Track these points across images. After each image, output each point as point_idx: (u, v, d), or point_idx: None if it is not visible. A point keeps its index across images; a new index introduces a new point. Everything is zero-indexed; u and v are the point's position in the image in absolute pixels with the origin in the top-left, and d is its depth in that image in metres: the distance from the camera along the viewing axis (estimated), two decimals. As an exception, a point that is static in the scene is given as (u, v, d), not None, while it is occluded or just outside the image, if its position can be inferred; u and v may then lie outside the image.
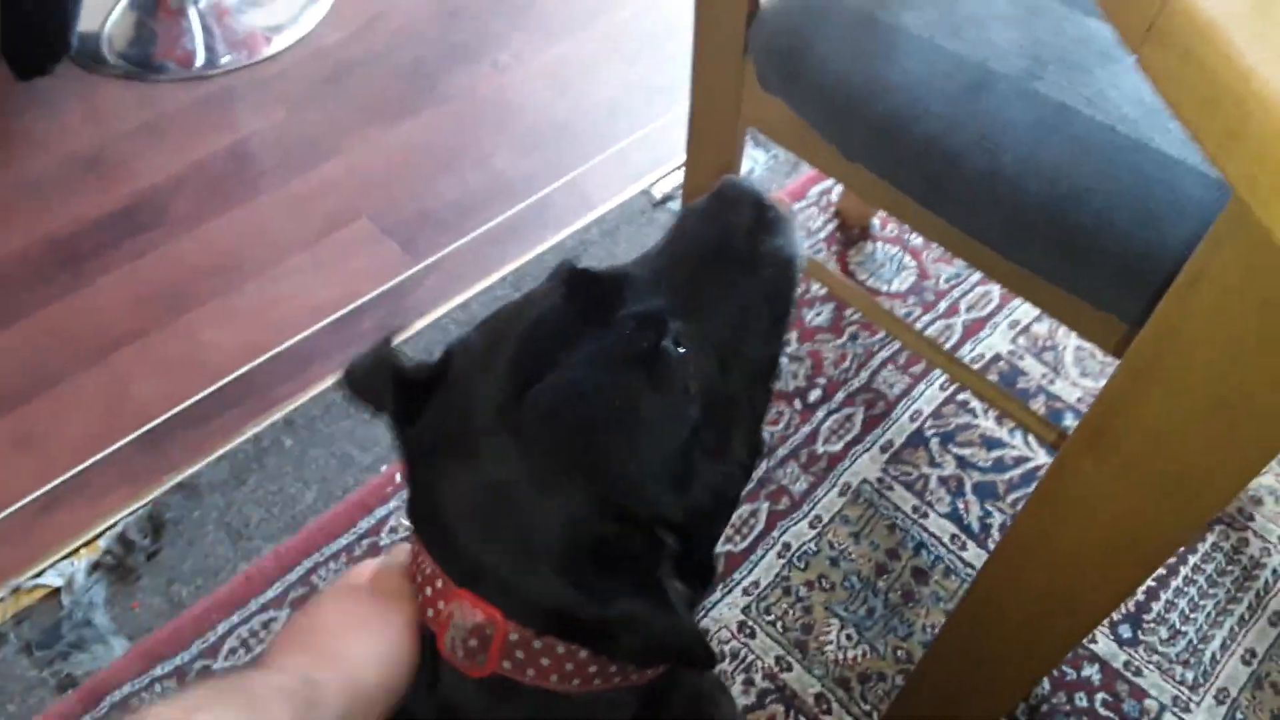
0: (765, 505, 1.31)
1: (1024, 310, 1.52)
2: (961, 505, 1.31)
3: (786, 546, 1.27)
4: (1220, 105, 0.42)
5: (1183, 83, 0.44)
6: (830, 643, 1.20)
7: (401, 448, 0.64)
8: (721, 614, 1.21)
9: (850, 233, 1.61)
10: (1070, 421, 1.39)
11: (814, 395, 1.42)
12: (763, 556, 1.26)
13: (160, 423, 1.37)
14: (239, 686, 0.52)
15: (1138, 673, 1.19)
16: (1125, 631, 1.22)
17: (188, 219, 1.63)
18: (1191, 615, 1.24)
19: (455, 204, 1.67)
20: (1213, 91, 0.42)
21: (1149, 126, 0.83)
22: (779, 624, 1.21)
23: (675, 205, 1.64)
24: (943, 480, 1.34)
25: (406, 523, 0.67)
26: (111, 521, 1.26)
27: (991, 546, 1.28)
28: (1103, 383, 0.72)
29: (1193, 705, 1.17)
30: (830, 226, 1.62)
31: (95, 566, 1.23)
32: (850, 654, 1.19)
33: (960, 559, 1.27)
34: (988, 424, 1.40)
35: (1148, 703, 1.17)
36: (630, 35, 1.98)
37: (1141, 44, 0.45)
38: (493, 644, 0.57)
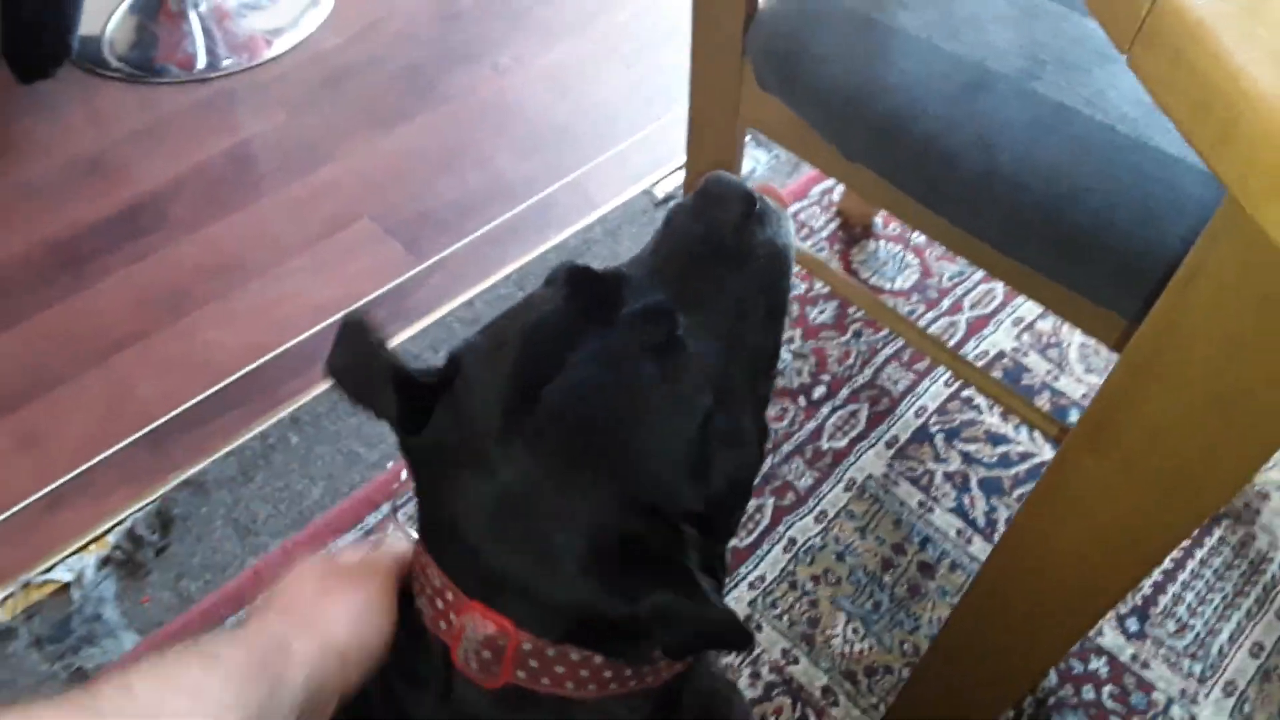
0: (771, 500, 1.31)
1: (1028, 307, 1.52)
2: (967, 500, 1.31)
3: (792, 541, 1.27)
4: (1211, 106, 0.42)
5: (1173, 84, 0.44)
6: (836, 636, 1.20)
7: (407, 456, 0.64)
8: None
9: (853, 231, 1.61)
10: (1075, 417, 1.39)
11: (819, 392, 1.42)
12: (769, 551, 1.27)
13: (163, 423, 1.38)
14: (209, 644, 0.52)
15: (1145, 666, 1.19)
16: (1132, 625, 1.22)
17: (189, 221, 1.63)
18: (1199, 609, 1.24)
19: (456, 205, 1.67)
20: (1203, 93, 0.42)
21: (1148, 126, 0.83)
22: (785, 618, 1.21)
23: (677, 204, 1.64)
24: (948, 476, 1.34)
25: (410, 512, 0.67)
26: (120, 518, 1.27)
27: (997, 541, 1.28)
28: (1106, 379, 0.72)
29: (1200, 698, 1.17)
30: (833, 225, 1.62)
31: (105, 562, 1.24)
32: (857, 647, 1.20)
33: (966, 554, 1.27)
34: (992, 420, 1.40)
35: (1155, 695, 1.17)
36: (629, 37, 1.98)
37: (1131, 45, 0.45)
38: (505, 654, 0.57)
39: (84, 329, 1.48)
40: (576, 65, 1.93)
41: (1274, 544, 1.29)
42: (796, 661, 1.18)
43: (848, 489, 1.32)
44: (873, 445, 1.37)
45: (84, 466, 1.33)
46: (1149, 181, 0.80)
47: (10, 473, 1.32)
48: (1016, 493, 1.32)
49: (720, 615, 0.55)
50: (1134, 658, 1.20)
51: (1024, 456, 1.36)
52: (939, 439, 1.37)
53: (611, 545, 0.56)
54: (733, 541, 1.26)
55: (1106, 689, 1.18)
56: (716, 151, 1.18)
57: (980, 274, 1.56)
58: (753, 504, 1.30)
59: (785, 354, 1.45)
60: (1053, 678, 1.18)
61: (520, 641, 0.57)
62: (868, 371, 1.44)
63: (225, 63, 1.88)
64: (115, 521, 1.27)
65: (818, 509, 1.30)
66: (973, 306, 1.52)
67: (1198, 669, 1.19)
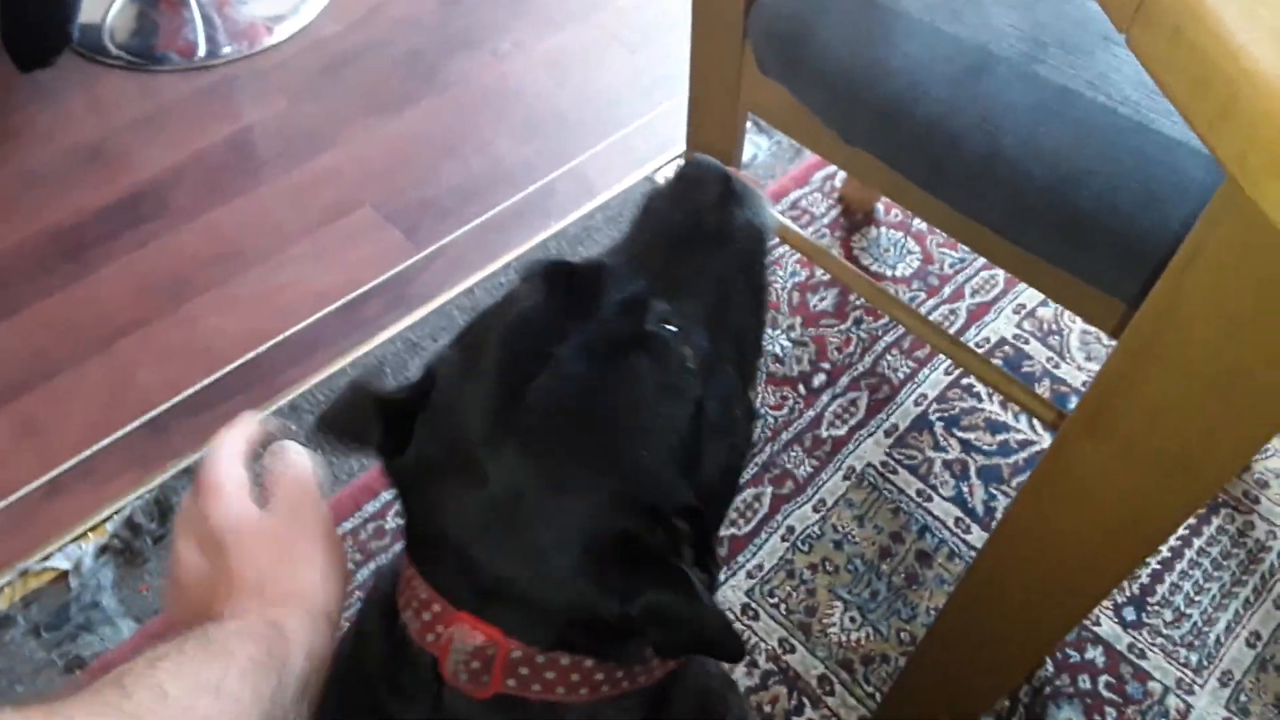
0: (769, 489, 1.31)
1: (1029, 295, 1.52)
2: (966, 489, 1.31)
3: (790, 530, 1.28)
4: (1210, 85, 0.41)
5: (1172, 63, 0.43)
6: (834, 625, 1.20)
7: (391, 478, 0.62)
8: (725, 597, 1.22)
9: (854, 218, 1.61)
10: (1075, 405, 1.39)
11: (818, 380, 1.42)
12: (767, 540, 1.27)
13: (164, 410, 1.38)
14: (198, 636, 0.52)
15: (1141, 655, 1.19)
16: (1129, 614, 1.22)
17: (189, 209, 1.63)
18: (1196, 598, 1.24)
19: (457, 191, 1.67)
20: (1202, 71, 0.42)
21: (1151, 109, 0.82)
22: (782, 606, 1.21)
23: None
24: (947, 464, 1.34)
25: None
26: (119, 506, 1.27)
27: (994, 528, 1.28)
28: (1108, 366, 0.72)
29: (1196, 688, 1.17)
30: (834, 212, 1.62)
31: (103, 550, 1.24)
32: (854, 636, 1.20)
33: (964, 542, 1.27)
34: (992, 408, 1.40)
35: (1151, 685, 1.17)
36: (631, 23, 1.97)
37: (1130, 24, 0.45)
38: (495, 664, 0.56)
39: (85, 316, 1.48)
40: (579, 51, 1.92)
41: (1272, 533, 1.29)
42: (793, 650, 1.19)
43: (846, 477, 1.32)
44: (872, 433, 1.37)
45: (85, 454, 1.33)
46: (1151, 165, 0.80)
47: (10, 461, 1.33)
48: (1015, 481, 1.32)
49: (714, 619, 0.54)
50: (1130, 647, 1.20)
51: (1023, 444, 1.36)
52: (938, 427, 1.37)
53: (606, 545, 0.55)
54: (731, 530, 1.26)
55: (1102, 678, 1.18)
56: (717, 137, 1.18)
57: (981, 261, 1.55)
58: (751, 492, 1.30)
59: (785, 341, 1.45)
60: (1049, 666, 1.18)
61: (509, 650, 0.56)
62: (868, 359, 1.44)
63: (225, 50, 1.88)
64: (114, 510, 1.27)
65: (816, 497, 1.30)
66: (974, 294, 1.52)
67: (1194, 658, 1.19)
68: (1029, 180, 0.84)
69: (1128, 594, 1.24)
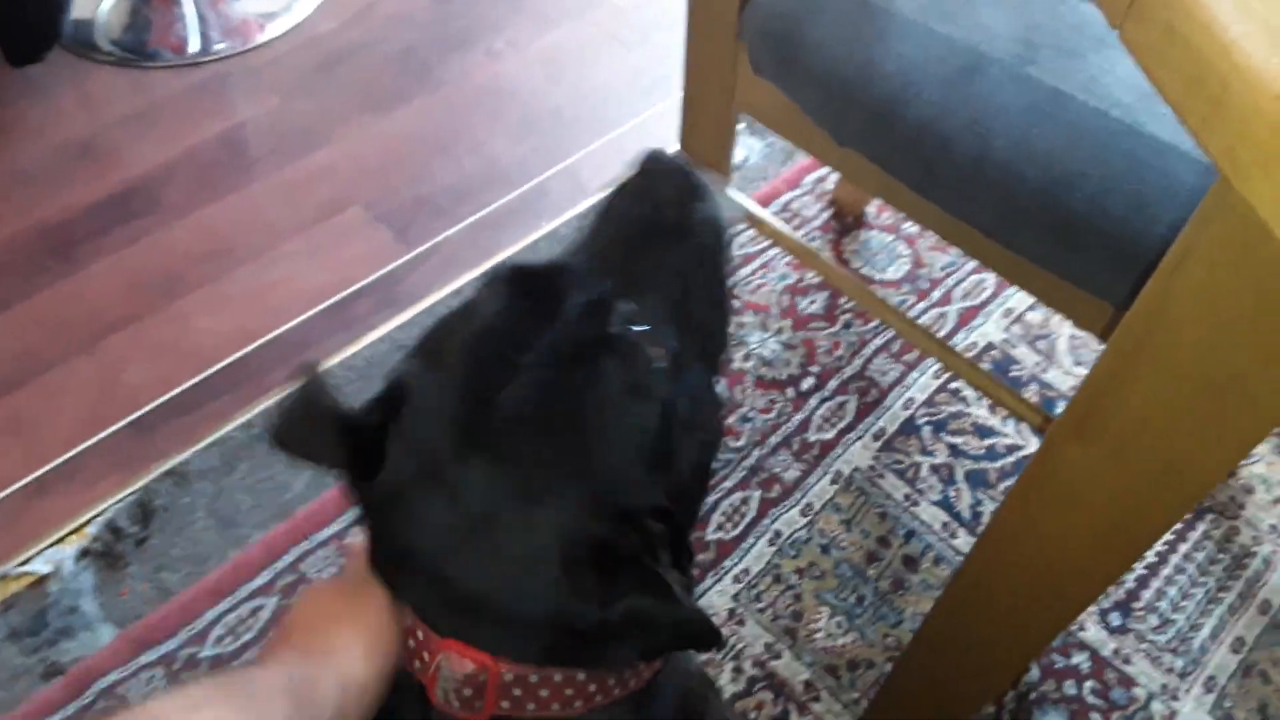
0: (757, 493, 1.30)
1: (1018, 299, 1.52)
2: (953, 493, 1.31)
3: (777, 534, 1.27)
4: (1203, 80, 0.41)
5: (1165, 58, 0.43)
6: (820, 630, 1.20)
7: (358, 502, 0.61)
8: (712, 601, 1.21)
9: (845, 221, 1.61)
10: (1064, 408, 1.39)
11: (807, 383, 1.42)
12: (753, 544, 1.26)
13: (152, 409, 1.37)
14: (238, 682, 0.50)
15: (1127, 660, 1.19)
16: (1115, 619, 1.22)
17: (180, 206, 1.62)
18: (1181, 603, 1.24)
19: (450, 190, 1.66)
20: (1196, 67, 0.42)
21: (1142, 112, 0.82)
22: (769, 611, 1.21)
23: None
24: (934, 468, 1.34)
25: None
26: (101, 509, 1.26)
27: (981, 533, 1.28)
28: (1096, 370, 0.72)
29: (1181, 693, 1.17)
30: (825, 215, 1.62)
31: (84, 553, 1.22)
32: (840, 641, 1.19)
33: (951, 547, 1.27)
34: (980, 412, 1.40)
35: (1136, 690, 1.17)
36: (626, 22, 1.97)
37: (1124, 19, 0.44)
38: (488, 689, 0.55)
39: (74, 313, 1.48)
40: (574, 50, 1.92)
41: (1257, 538, 1.29)
42: (779, 656, 1.18)
43: (834, 481, 1.32)
44: (860, 437, 1.36)
45: (72, 453, 1.32)
46: (1143, 168, 0.80)
47: (-1, 459, 1.32)
48: (1002, 485, 1.32)
49: (691, 617, 0.54)
50: (1116, 652, 1.20)
51: (1011, 449, 1.36)
52: (926, 431, 1.37)
53: (581, 552, 0.54)
54: (718, 534, 1.26)
55: (1088, 684, 1.18)
56: (710, 136, 1.18)
57: (971, 265, 1.56)
58: (738, 496, 1.30)
59: (775, 345, 1.45)
60: (1034, 672, 1.18)
61: (501, 672, 0.55)
62: (857, 363, 1.44)
63: (218, 46, 1.87)
64: (95, 513, 1.25)
65: (804, 502, 1.30)
66: (963, 297, 1.52)
67: (1179, 664, 1.19)
68: (1020, 182, 0.85)
69: (1113, 599, 1.24)
